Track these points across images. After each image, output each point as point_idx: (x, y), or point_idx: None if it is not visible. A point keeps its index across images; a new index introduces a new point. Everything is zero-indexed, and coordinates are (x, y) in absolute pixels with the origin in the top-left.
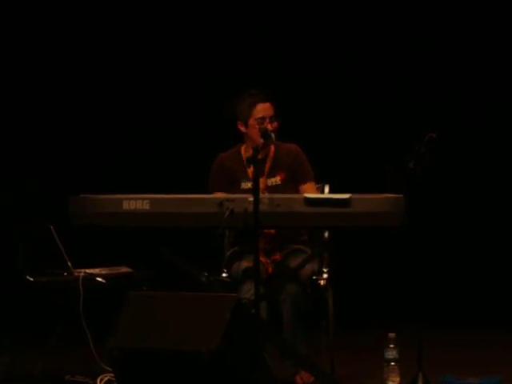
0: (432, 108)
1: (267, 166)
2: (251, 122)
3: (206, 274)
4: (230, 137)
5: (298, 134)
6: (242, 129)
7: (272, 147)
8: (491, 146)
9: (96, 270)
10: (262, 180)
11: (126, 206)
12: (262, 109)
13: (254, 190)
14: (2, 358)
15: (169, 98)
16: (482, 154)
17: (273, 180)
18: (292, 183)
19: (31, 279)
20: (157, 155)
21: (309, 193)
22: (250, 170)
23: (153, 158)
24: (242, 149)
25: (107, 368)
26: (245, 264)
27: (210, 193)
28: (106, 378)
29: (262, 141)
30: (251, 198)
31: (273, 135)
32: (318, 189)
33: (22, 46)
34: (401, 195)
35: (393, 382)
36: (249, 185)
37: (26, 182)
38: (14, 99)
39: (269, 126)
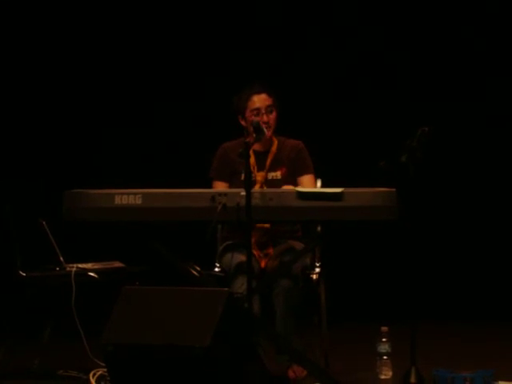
0: (425, 102)
1: (269, 160)
2: (247, 114)
3: (198, 269)
4: (229, 131)
5: (290, 128)
6: (243, 122)
7: (275, 142)
8: (486, 139)
9: (88, 265)
10: (261, 173)
11: (118, 200)
12: (258, 100)
13: (246, 185)
14: None
15: (165, 93)
16: (476, 148)
17: (273, 174)
18: (292, 178)
19: (24, 274)
20: (150, 150)
21: (306, 184)
22: (252, 163)
23: (145, 153)
24: None
25: (100, 363)
26: (237, 258)
27: (211, 181)
28: (99, 373)
29: (253, 135)
30: (243, 193)
31: (265, 129)
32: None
33: (19, 45)
34: (393, 189)
35: (385, 375)
36: None
37: (19, 181)
38: (6, 95)
39: (264, 118)
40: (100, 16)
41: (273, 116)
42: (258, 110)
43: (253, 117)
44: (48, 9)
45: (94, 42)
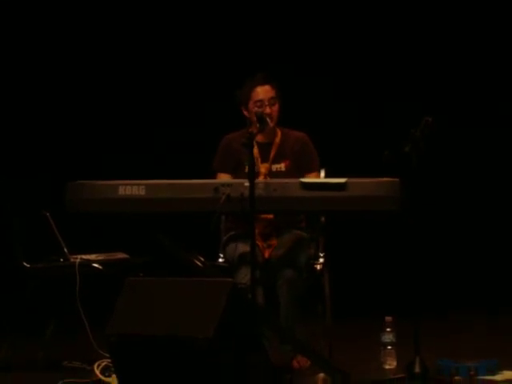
0: (429, 93)
1: (272, 151)
2: (250, 105)
3: (202, 259)
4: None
5: (294, 118)
6: (246, 113)
7: (279, 133)
8: (488, 132)
9: (92, 256)
10: (265, 165)
11: (121, 191)
12: (261, 91)
13: (250, 175)
14: (1, 345)
15: (164, 86)
16: (478, 140)
17: (277, 166)
18: (297, 171)
19: (28, 266)
20: (154, 144)
21: None
22: (255, 154)
23: (150, 146)
24: None
25: (104, 354)
26: (241, 249)
27: (214, 173)
28: (103, 364)
29: (257, 125)
30: (247, 183)
31: (268, 120)
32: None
33: (22, 45)
34: (396, 179)
35: (390, 365)
36: None
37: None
38: (10, 90)
39: (267, 110)
40: (99, 14)
41: (275, 108)
42: (262, 101)
43: (256, 108)
44: (57, 12)
45: (95, 38)
